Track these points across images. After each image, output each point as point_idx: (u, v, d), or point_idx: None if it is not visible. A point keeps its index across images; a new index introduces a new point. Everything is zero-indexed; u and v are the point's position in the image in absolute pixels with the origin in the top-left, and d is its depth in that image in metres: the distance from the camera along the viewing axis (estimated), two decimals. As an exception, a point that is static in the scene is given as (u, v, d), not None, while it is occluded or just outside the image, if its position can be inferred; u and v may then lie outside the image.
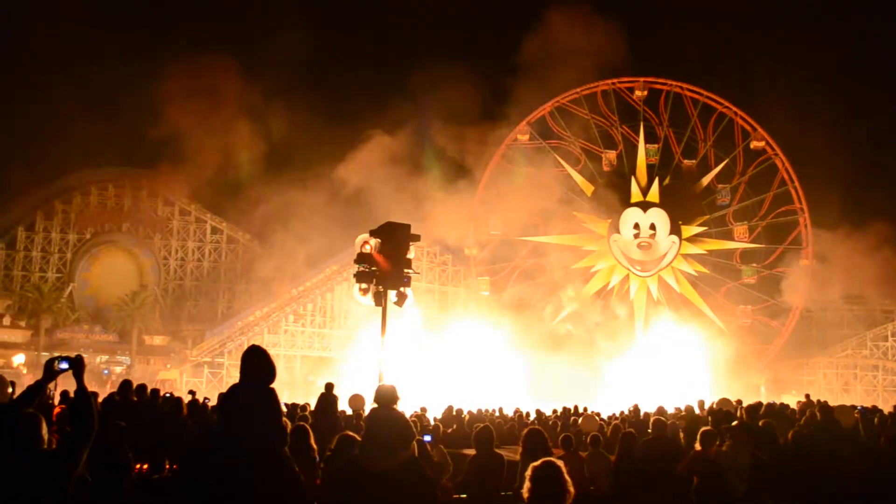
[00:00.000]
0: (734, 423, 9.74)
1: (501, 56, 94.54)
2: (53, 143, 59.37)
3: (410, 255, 15.48)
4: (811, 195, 44.99)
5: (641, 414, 15.91)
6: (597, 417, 15.50)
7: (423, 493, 5.08)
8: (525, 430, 7.57)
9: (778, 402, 18.48)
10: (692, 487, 7.62)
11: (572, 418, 15.85)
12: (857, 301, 49.63)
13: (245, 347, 4.85)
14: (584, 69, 45.16)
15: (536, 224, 45.96)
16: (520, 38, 44.41)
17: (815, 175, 45.11)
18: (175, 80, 45.94)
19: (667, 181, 46.77)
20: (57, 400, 11.91)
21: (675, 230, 45.68)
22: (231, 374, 45.26)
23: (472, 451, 7.75)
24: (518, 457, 7.14)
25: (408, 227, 15.57)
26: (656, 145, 47.25)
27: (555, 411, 17.70)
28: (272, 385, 4.67)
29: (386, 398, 5.50)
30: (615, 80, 46.98)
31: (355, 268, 15.70)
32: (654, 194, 46.25)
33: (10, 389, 7.25)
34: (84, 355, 4.31)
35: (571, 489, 3.85)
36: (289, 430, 5.29)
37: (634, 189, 46.46)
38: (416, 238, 15.72)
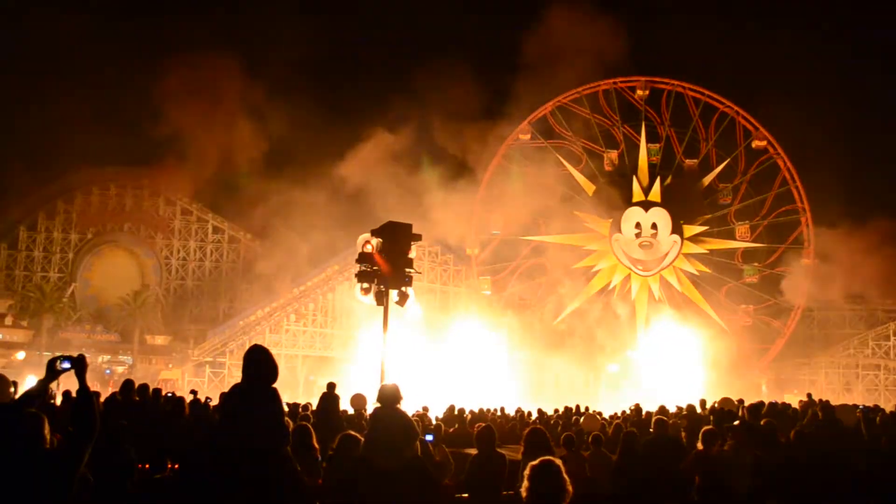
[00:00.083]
0: (736, 422, 9.75)
1: (503, 55, 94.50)
2: (55, 142, 59.36)
3: (412, 254, 15.48)
4: (813, 194, 45.05)
5: (643, 413, 15.87)
6: (598, 417, 15.50)
7: (426, 493, 5.08)
8: (527, 430, 7.56)
9: (780, 401, 18.45)
10: (694, 487, 7.62)
11: (574, 417, 15.83)
12: (858, 300, 49.60)
13: (247, 347, 4.86)
14: (585, 69, 45.26)
15: (538, 223, 45.96)
16: (521, 38, 44.50)
17: (817, 174, 45.15)
18: (176, 79, 46.05)
19: (668, 180, 46.74)
20: (59, 400, 11.92)
21: (676, 229, 45.65)
22: (233, 374, 45.32)
23: (473, 451, 7.74)
24: (520, 456, 7.13)
25: (409, 226, 15.56)
26: (658, 145, 47.22)
27: (556, 410, 17.67)
28: (274, 385, 4.67)
29: (389, 398, 5.49)
30: (617, 80, 46.97)
31: (357, 267, 15.71)
32: (655, 194, 46.22)
33: (12, 389, 7.25)
34: (86, 355, 4.31)
35: (570, 488, 3.82)
36: (290, 429, 5.30)
37: (636, 188, 46.43)
38: (418, 238, 15.70)
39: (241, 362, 4.79)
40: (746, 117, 46.00)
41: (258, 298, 51.81)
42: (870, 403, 24.88)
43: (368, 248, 15.14)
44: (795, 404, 17.56)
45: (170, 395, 14.42)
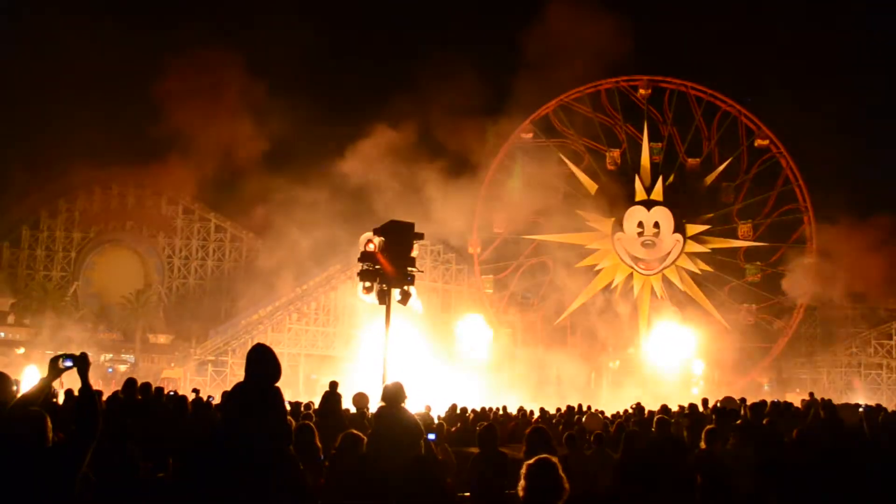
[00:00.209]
0: (738, 421, 9.74)
1: (505, 54, 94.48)
2: (57, 141, 59.49)
3: (414, 253, 15.46)
4: (815, 193, 45.01)
5: (645, 412, 15.86)
6: (600, 416, 15.50)
7: (429, 492, 5.08)
8: (529, 429, 7.55)
9: (782, 400, 18.44)
10: (696, 486, 7.60)
11: (576, 416, 15.82)
12: (861, 299, 49.55)
13: (249, 346, 4.86)
14: (587, 67, 45.23)
15: (540, 222, 45.91)
16: (524, 37, 44.47)
17: (819, 173, 45.13)
18: (178, 78, 46.09)
19: (671, 179, 46.66)
20: (61, 398, 11.92)
21: (679, 228, 45.57)
22: (235, 373, 45.36)
23: (475, 450, 7.74)
24: (522, 455, 7.13)
25: (411, 225, 15.54)
26: (660, 143, 47.14)
27: (558, 410, 17.66)
28: (277, 383, 4.67)
29: (393, 397, 5.49)
30: (619, 79, 46.89)
31: (359, 266, 15.70)
32: (658, 192, 46.14)
33: (14, 387, 7.25)
34: (88, 353, 4.31)
35: (567, 486, 3.79)
36: (293, 428, 5.29)
37: (638, 187, 46.36)
38: (420, 236, 15.67)
39: (243, 361, 4.79)
40: (749, 116, 45.93)
41: (260, 297, 51.85)
42: (872, 402, 24.84)
43: (371, 247, 15.12)
44: (798, 403, 17.53)
45: (172, 393, 14.44)
